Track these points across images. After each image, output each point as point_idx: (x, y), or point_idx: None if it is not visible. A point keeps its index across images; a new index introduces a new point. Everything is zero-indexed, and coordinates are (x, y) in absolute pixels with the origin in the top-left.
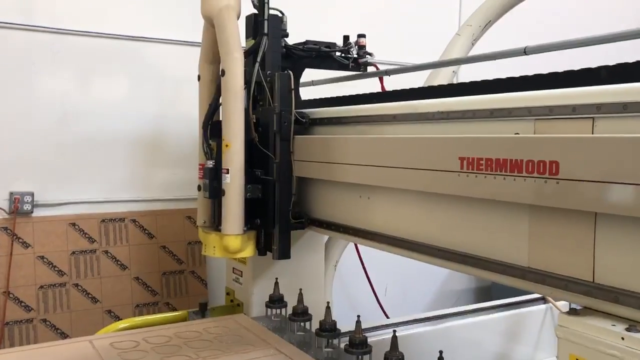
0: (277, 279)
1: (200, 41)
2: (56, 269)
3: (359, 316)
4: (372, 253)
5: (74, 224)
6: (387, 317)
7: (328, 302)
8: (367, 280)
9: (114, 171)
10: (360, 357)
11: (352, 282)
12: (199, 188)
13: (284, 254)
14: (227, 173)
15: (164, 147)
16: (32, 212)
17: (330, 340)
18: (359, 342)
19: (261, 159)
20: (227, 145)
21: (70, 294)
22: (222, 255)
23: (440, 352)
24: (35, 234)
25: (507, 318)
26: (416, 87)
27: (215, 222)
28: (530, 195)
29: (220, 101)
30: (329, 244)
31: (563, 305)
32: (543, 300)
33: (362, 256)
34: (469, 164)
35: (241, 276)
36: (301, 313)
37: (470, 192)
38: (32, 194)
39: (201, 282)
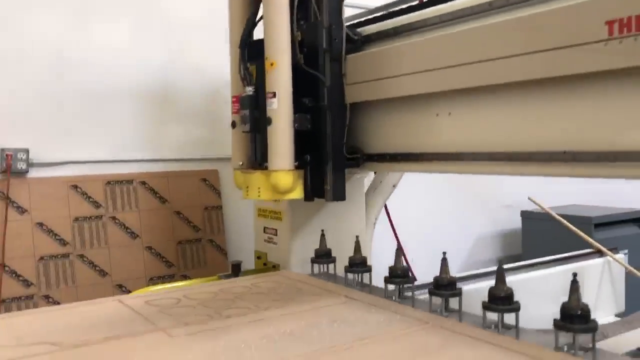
0: (323, 231)
1: None
2: (57, 237)
3: (444, 253)
4: (396, 221)
5: (75, 187)
6: None
7: (399, 243)
8: (393, 248)
9: (119, 127)
10: (447, 299)
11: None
12: (233, 125)
13: (339, 194)
14: (274, 97)
15: (174, 101)
16: (27, 171)
17: (402, 289)
18: (447, 282)
19: (308, 85)
20: (272, 64)
21: (74, 266)
22: (270, 196)
23: (574, 274)
24: (31, 198)
25: (561, 274)
26: None
27: (258, 160)
28: None
29: (260, 14)
30: (369, 200)
31: (623, 257)
32: (599, 254)
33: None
34: (622, 27)
35: (276, 235)
36: (360, 263)
37: (627, 61)
38: (26, 151)
39: (220, 251)
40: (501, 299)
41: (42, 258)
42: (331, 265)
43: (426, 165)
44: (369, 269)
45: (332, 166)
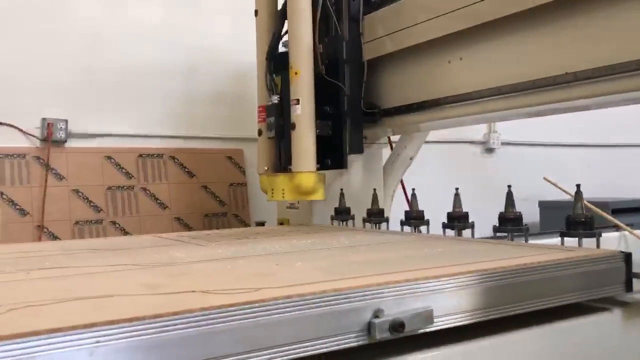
0: (342, 189)
1: None
2: (92, 204)
3: (457, 188)
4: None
5: (109, 158)
6: None
7: (413, 189)
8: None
9: (150, 104)
10: (459, 232)
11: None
12: (259, 133)
13: (357, 147)
14: (297, 104)
15: (201, 81)
16: (65, 141)
17: (417, 229)
18: (460, 215)
19: (329, 93)
20: (296, 73)
21: (107, 232)
22: (294, 197)
23: (578, 185)
24: (69, 166)
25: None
26: None
27: (282, 164)
28: None
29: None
30: (386, 174)
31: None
32: (615, 227)
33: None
34: None
35: (298, 202)
36: (377, 213)
37: None
38: (65, 122)
39: (244, 226)
40: (510, 221)
41: (77, 222)
42: (350, 223)
43: (442, 112)
44: (386, 220)
45: (350, 121)
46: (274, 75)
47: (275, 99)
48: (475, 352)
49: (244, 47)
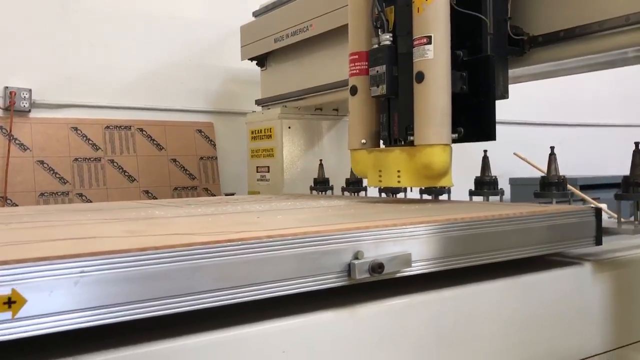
0: (321, 160)
1: None
2: (58, 176)
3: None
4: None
5: (75, 129)
6: None
7: None
8: None
9: (117, 74)
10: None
11: None
12: (353, 90)
13: (502, 89)
14: (429, 43)
15: (170, 52)
16: (29, 111)
17: (394, 195)
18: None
19: (462, 32)
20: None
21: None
22: (417, 182)
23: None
24: (33, 137)
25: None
26: None
27: (396, 134)
28: None
29: None
30: None
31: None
32: (581, 202)
33: None
34: None
35: (268, 172)
36: (355, 182)
37: None
38: (29, 91)
39: None
40: (487, 184)
41: (42, 194)
42: (328, 193)
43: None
44: (364, 188)
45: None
46: (384, 4)
47: (386, 38)
48: (446, 301)
49: (216, 18)
